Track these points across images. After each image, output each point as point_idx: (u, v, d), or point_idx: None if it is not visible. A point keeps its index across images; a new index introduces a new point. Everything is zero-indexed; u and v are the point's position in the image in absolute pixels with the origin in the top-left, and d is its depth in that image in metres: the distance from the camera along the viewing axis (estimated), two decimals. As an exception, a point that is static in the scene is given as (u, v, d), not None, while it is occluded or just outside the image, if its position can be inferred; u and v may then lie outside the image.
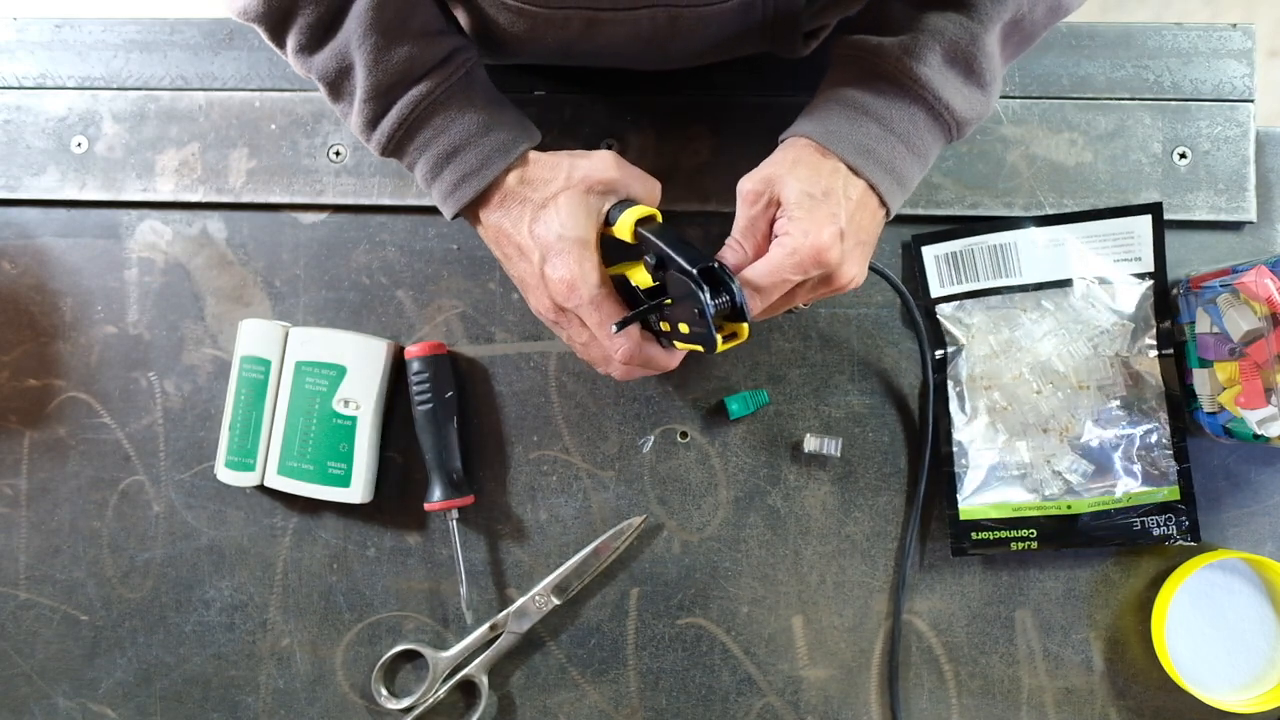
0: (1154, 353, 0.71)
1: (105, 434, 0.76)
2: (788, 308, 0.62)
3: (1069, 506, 0.71)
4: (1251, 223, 0.73)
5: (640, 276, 0.60)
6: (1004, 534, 0.71)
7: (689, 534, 0.74)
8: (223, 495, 0.75)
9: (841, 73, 0.62)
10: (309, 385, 0.72)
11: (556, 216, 0.59)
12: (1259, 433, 0.64)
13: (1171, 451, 0.71)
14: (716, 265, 0.56)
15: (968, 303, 0.73)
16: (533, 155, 0.62)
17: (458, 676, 0.73)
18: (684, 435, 0.74)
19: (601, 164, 0.61)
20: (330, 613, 0.74)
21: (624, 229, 0.60)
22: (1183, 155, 0.73)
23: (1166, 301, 0.71)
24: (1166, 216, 0.72)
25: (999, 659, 0.72)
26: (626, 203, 0.61)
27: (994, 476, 0.72)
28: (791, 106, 0.65)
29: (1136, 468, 0.71)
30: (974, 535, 0.71)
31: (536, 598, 0.73)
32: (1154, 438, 0.71)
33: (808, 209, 0.57)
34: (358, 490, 0.72)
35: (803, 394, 0.74)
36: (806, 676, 0.73)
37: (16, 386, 0.77)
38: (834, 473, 0.73)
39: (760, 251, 0.60)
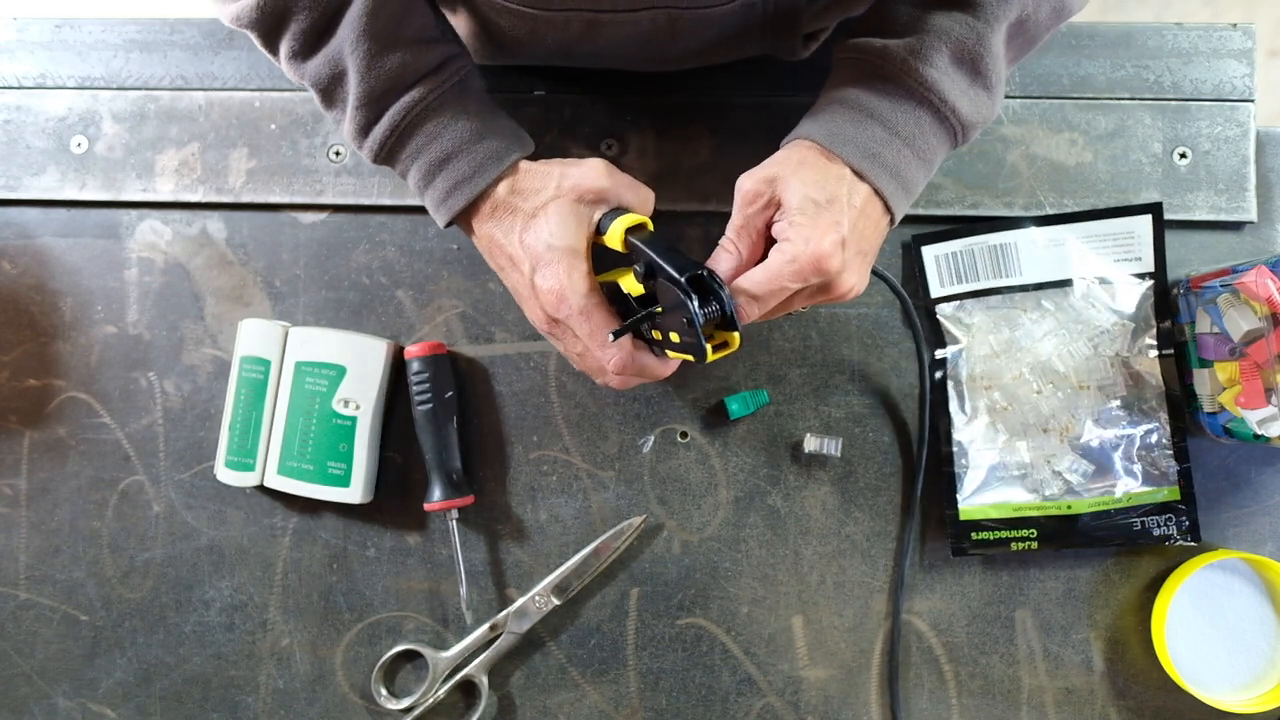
0: (1154, 353, 0.71)
1: (105, 434, 0.76)
2: (785, 313, 0.61)
3: (1069, 507, 0.71)
4: (1252, 223, 0.73)
5: (632, 284, 0.60)
6: (1004, 534, 0.71)
7: (689, 534, 0.74)
8: (223, 495, 0.75)
9: (845, 75, 0.61)
10: (309, 385, 0.72)
11: (546, 226, 0.59)
12: (1259, 433, 0.64)
13: (1171, 451, 0.71)
14: (705, 273, 0.55)
15: (968, 303, 0.73)
16: (524, 165, 0.61)
17: (458, 676, 0.73)
18: (684, 435, 0.74)
19: (592, 173, 0.60)
20: (330, 613, 0.74)
21: (614, 237, 0.59)
22: (1183, 155, 0.73)
23: (1166, 301, 0.71)
24: (1167, 216, 0.72)
25: (999, 659, 0.72)
26: (618, 211, 0.60)
27: (994, 476, 0.72)
28: (791, 107, 0.65)
29: (1137, 468, 0.71)
30: (974, 535, 0.71)
31: (536, 598, 0.73)
32: (1154, 438, 0.71)
33: (810, 215, 0.56)
34: (357, 490, 0.72)
35: (803, 394, 0.74)
36: (806, 676, 0.73)
37: (16, 386, 0.77)
38: (834, 473, 0.73)
39: (755, 253, 0.60)
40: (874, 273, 0.68)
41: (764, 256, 0.59)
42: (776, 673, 0.73)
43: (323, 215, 0.77)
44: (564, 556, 0.74)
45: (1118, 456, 0.71)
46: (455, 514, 0.72)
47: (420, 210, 0.76)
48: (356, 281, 0.76)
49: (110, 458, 0.76)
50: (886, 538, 0.73)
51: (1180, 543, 0.70)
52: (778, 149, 0.61)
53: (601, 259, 0.61)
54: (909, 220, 0.74)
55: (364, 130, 0.61)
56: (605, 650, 0.73)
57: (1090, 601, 0.72)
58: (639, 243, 0.58)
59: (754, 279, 0.57)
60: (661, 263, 0.55)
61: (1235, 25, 0.75)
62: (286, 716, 0.74)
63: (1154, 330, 0.71)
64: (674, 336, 0.57)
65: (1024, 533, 0.71)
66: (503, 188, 0.61)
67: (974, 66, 0.59)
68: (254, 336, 0.73)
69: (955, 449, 0.72)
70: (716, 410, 0.74)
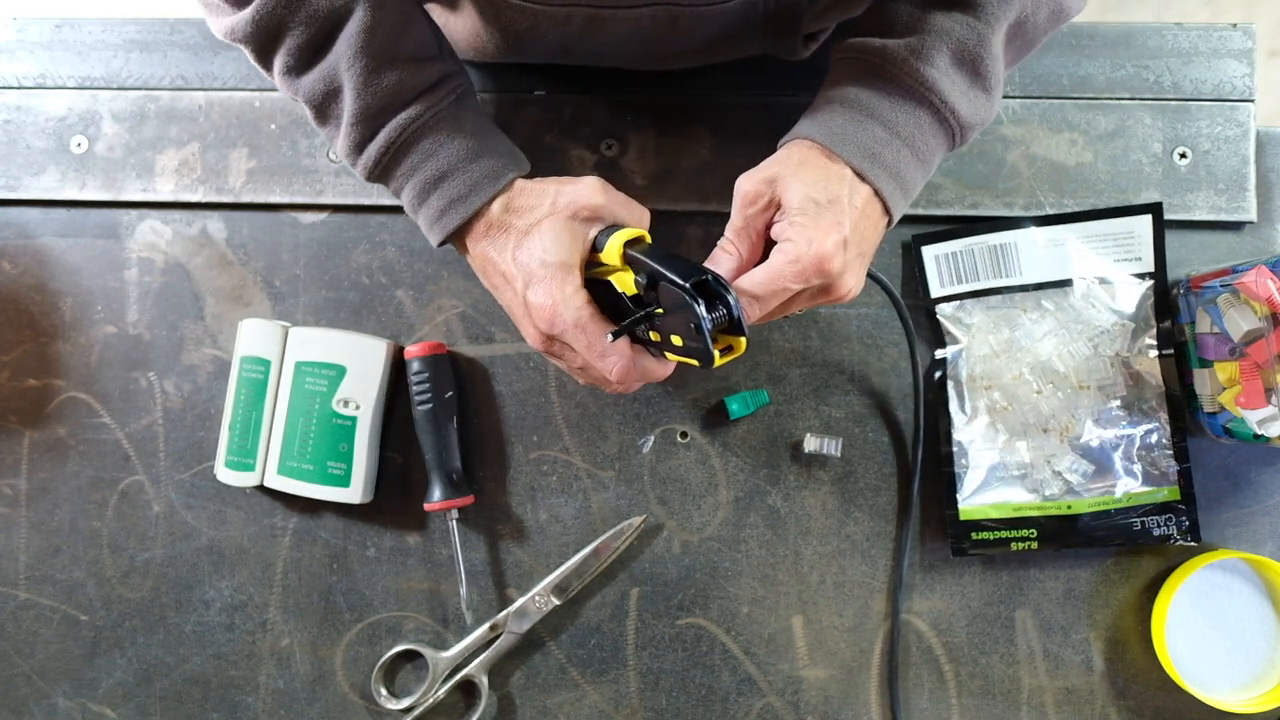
0: (1154, 353, 0.71)
1: (105, 434, 0.76)
2: (784, 315, 0.61)
3: (1069, 507, 0.71)
4: (1251, 223, 0.73)
5: (627, 282, 0.59)
6: (1004, 534, 0.71)
7: (689, 534, 0.74)
8: (223, 495, 0.75)
9: (844, 74, 0.61)
10: (309, 385, 0.72)
11: (540, 242, 0.58)
12: (1259, 433, 0.64)
13: (1171, 451, 0.71)
14: (710, 277, 0.53)
15: (968, 303, 0.73)
16: (520, 183, 0.61)
17: (458, 676, 0.73)
18: (684, 435, 0.74)
19: (587, 190, 0.60)
20: (330, 613, 0.74)
21: (612, 253, 0.58)
22: (1183, 155, 0.73)
23: (1166, 301, 0.71)
24: (1167, 216, 0.72)
25: (999, 659, 0.72)
26: (614, 228, 0.60)
27: (994, 476, 0.72)
28: (791, 106, 0.65)
29: (1137, 468, 0.71)
30: (974, 535, 0.71)
31: (536, 598, 0.73)
32: (1154, 438, 0.71)
33: (812, 215, 0.56)
34: (357, 490, 0.72)
35: (803, 394, 0.74)
36: (806, 676, 0.73)
37: (16, 386, 0.77)
38: (834, 473, 0.73)
39: (754, 253, 0.59)
40: (869, 275, 0.68)
41: (764, 258, 0.59)
42: (776, 673, 0.73)
43: (323, 215, 0.77)
44: (564, 556, 0.74)
45: (1118, 456, 0.71)
46: (455, 514, 0.72)
47: (420, 210, 0.76)
48: (356, 281, 0.76)
49: (110, 458, 0.76)
50: (886, 538, 0.73)
51: (1180, 543, 0.70)
52: (776, 149, 0.61)
53: (594, 286, 0.60)
54: (909, 220, 0.74)
55: (358, 147, 0.60)
56: (605, 650, 0.73)
57: (1090, 601, 0.72)
58: (639, 254, 0.57)
59: (755, 279, 0.56)
60: (664, 270, 0.54)
61: (1235, 25, 0.75)
62: (286, 716, 0.74)
63: (1154, 330, 0.71)
64: (676, 339, 0.56)
65: (1024, 533, 0.71)
66: (497, 206, 0.60)
67: (974, 67, 0.59)
68: (254, 336, 0.73)
69: (955, 449, 0.72)
70: (716, 410, 0.74)
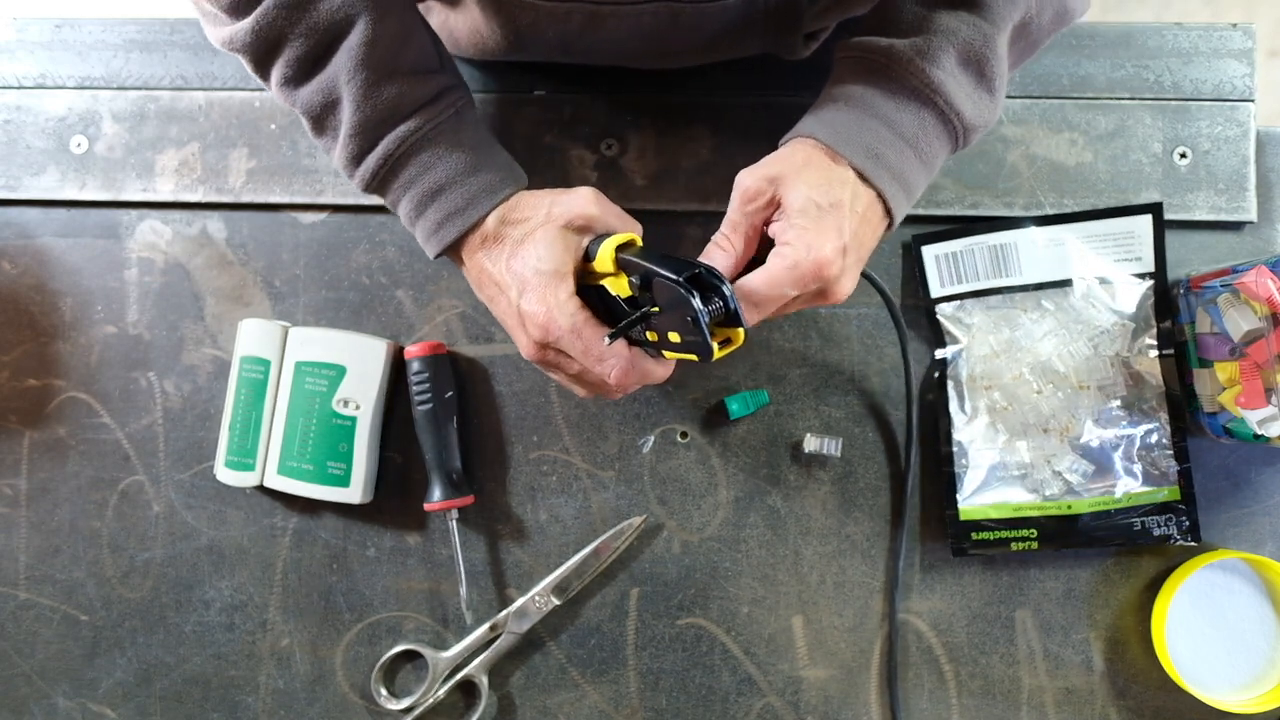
0: (1154, 353, 0.71)
1: (105, 434, 0.76)
2: (779, 316, 0.61)
3: (1069, 507, 0.71)
4: (1252, 223, 0.73)
5: (620, 285, 0.58)
6: (1004, 534, 0.71)
7: (689, 534, 0.74)
8: (222, 495, 0.75)
9: (848, 73, 0.60)
10: (309, 385, 0.72)
11: (534, 251, 0.59)
12: (1259, 433, 0.64)
13: (1172, 451, 0.71)
14: (703, 270, 0.53)
15: (968, 303, 0.73)
16: (516, 196, 0.61)
17: (458, 676, 0.73)
18: (684, 435, 0.74)
19: (580, 201, 0.60)
20: (330, 613, 0.74)
21: (604, 258, 0.58)
22: (1183, 155, 0.73)
23: (1167, 301, 0.71)
24: (1167, 216, 0.72)
25: (999, 659, 0.72)
26: (606, 237, 0.60)
27: (994, 476, 0.72)
28: (792, 106, 0.65)
29: (1137, 468, 0.71)
30: (974, 535, 0.71)
31: (536, 598, 0.73)
32: (1154, 438, 0.71)
33: (813, 219, 0.55)
34: (357, 490, 0.72)
35: (803, 394, 0.74)
36: (806, 676, 0.73)
37: (16, 386, 0.77)
38: (834, 473, 0.73)
39: (749, 249, 0.59)
40: (864, 275, 0.67)
41: (758, 254, 0.58)
42: (776, 673, 0.73)
43: (323, 215, 0.77)
44: (564, 556, 0.74)
45: (1118, 456, 0.71)
46: (455, 514, 0.72)
47: (420, 210, 0.76)
48: (356, 281, 0.76)
49: (110, 458, 0.76)
50: (887, 538, 0.73)
51: (1180, 543, 0.70)
52: (778, 146, 0.61)
53: (587, 292, 0.60)
54: (909, 220, 0.74)
55: (356, 159, 0.60)
56: (605, 650, 0.73)
57: (1090, 601, 0.72)
58: (631, 257, 0.57)
59: (753, 284, 0.56)
60: (657, 268, 0.54)
61: (1235, 25, 0.75)
62: (286, 716, 0.74)
63: (1154, 330, 0.71)
64: (674, 337, 0.56)
65: (1024, 533, 0.71)
66: (493, 219, 0.60)
67: (979, 68, 0.58)
68: (254, 336, 0.73)
69: (955, 449, 0.72)
70: (716, 410, 0.74)
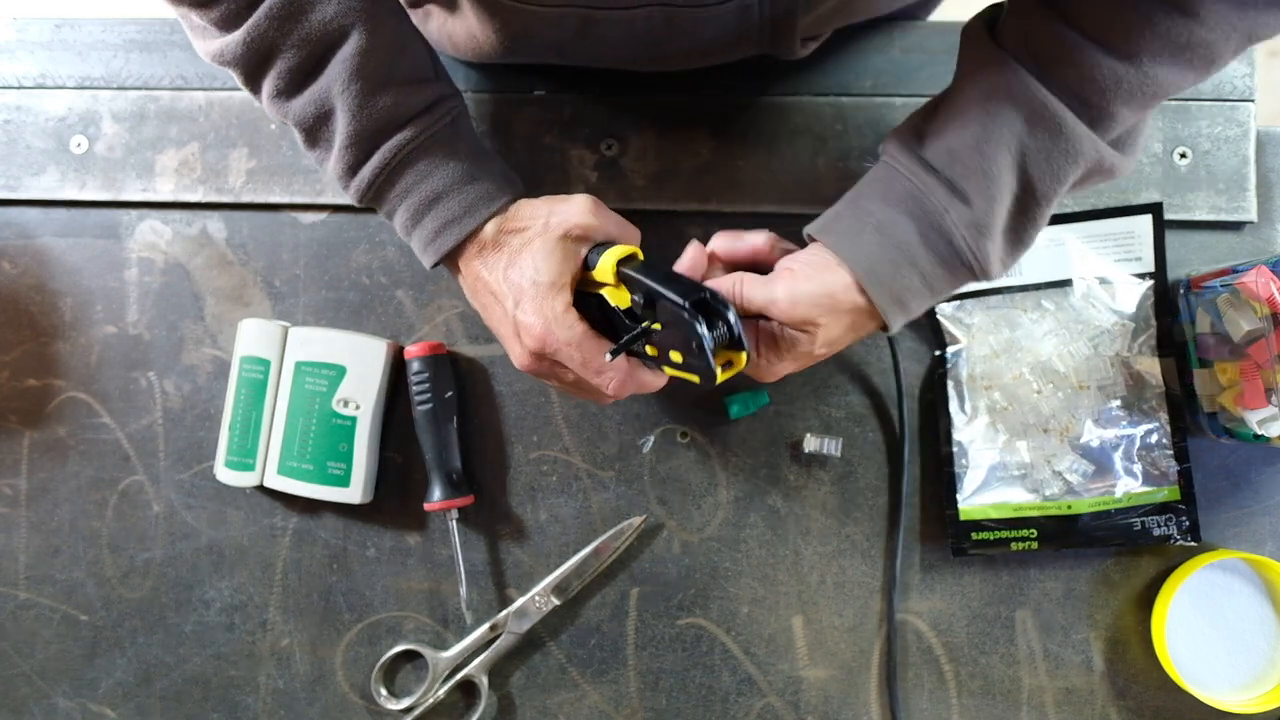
0: (1154, 353, 0.71)
1: (105, 434, 0.76)
2: None
3: (1069, 507, 0.71)
4: (1252, 223, 0.73)
5: (619, 296, 0.58)
6: (1004, 534, 0.71)
7: (689, 534, 0.74)
8: (222, 495, 0.75)
9: (901, 194, 0.58)
10: (309, 385, 0.72)
11: (531, 261, 0.58)
12: (1259, 433, 0.64)
13: (1172, 451, 0.70)
14: (709, 295, 0.54)
15: (968, 302, 0.73)
16: (514, 205, 0.61)
17: (458, 676, 0.73)
18: (684, 435, 0.74)
19: (578, 210, 0.59)
20: (330, 613, 0.74)
21: (605, 271, 0.58)
22: (1183, 155, 0.73)
23: (1167, 301, 0.71)
24: (1167, 216, 0.72)
25: (999, 659, 0.72)
26: (605, 246, 0.60)
27: (994, 477, 0.72)
28: (791, 107, 0.65)
29: (1137, 468, 0.71)
30: (974, 535, 0.71)
31: (536, 598, 0.73)
32: (1154, 438, 0.71)
33: (817, 345, 0.59)
34: (357, 490, 0.72)
35: (803, 394, 0.74)
36: (806, 676, 0.73)
37: (16, 386, 0.77)
38: (834, 473, 0.73)
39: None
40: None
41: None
42: (776, 673, 0.73)
43: (323, 215, 0.77)
44: (564, 556, 0.74)
45: (1118, 456, 0.71)
46: (455, 514, 0.72)
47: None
48: (356, 281, 0.76)
49: (110, 458, 0.76)
50: (886, 538, 0.73)
51: (1180, 543, 0.70)
52: (809, 236, 0.60)
53: (585, 300, 0.60)
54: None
55: (351, 170, 0.60)
56: (605, 650, 0.73)
57: (1090, 601, 0.72)
58: (634, 273, 0.57)
59: (774, 368, 0.60)
60: (661, 289, 0.54)
61: (1235, 25, 0.74)
62: (286, 716, 0.74)
63: (1154, 330, 0.71)
64: (675, 356, 0.56)
65: (1024, 533, 0.71)
66: (491, 227, 0.60)
67: (1021, 237, 0.58)
68: (254, 336, 0.73)
69: (955, 449, 0.72)
70: (716, 410, 0.74)
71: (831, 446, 0.72)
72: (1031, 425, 0.71)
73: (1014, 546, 0.71)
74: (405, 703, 0.72)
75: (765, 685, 0.73)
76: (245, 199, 0.76)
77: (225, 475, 0.73)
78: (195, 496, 0.76)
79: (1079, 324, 0.71)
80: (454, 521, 0.72)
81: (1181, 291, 0.71)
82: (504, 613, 0.73)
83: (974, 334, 0.72)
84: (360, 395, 0.72)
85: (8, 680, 0.76)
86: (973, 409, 0.72)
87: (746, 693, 0.73)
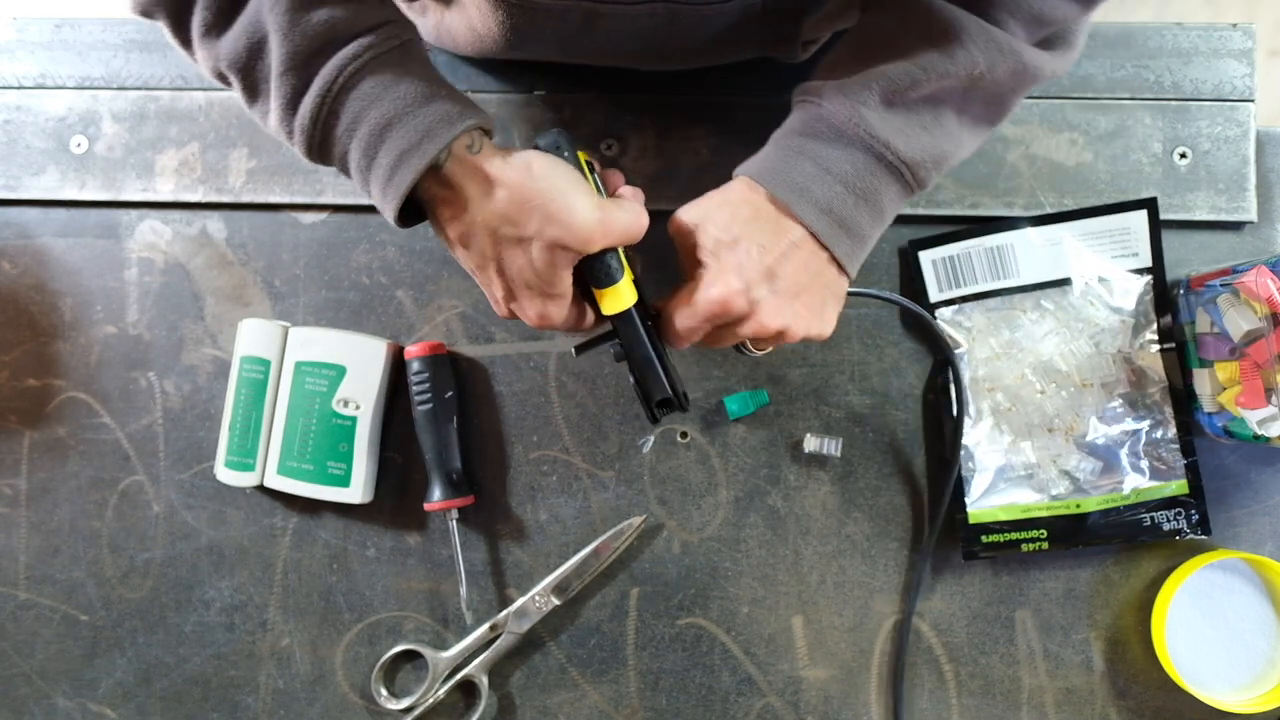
0: (1156, 348, 0.71)
1: (105, 434, 0.76)
2: (729, 345, 0.61)
3: (1078, 505, 0.71)
4: (1252, 223, 0.73)
5: (609, 305, 0.57)
6: (1014, 536, 0.71)
7: (689, 534, 0.74)
8: (222, 495, 0.75)
9: (791, 116, 0.60)
10: (309, 385, 0.72)
11: (530, 268, 0.54)
12: (1259, 433, 0.64)
13: (1178, 446, 0.71)
14: (673, 394, 0.58)
15: (967, 306, 0.73)
16: (498, 165, 0.54)
17: (458, 676, 0.72)
18: (684, 435, 0.74)
19: (578, 233, 0.53)
20: (330, 613, 0.74)
21: (604, 305, 0.58)
22: (1183, 155, 0.73)
23: (1166, 296, 0.71)
24: (1167, 216, 0.72)
25: (999, 659, 0.72)
26: (605, 254, 0.57)
27: (1001, 478, 0.71)
28: (789, 108, 0.65)
29: (1144, 463, 0.71)
30: (984, 538, 0.71)
31: (536, 598, 0.73)
32: (1160, 433, 0.71)
33: (715, 256, 0.56)
34: (357, 490, 0.72)
35: (803, 394, 0.74)
36: (806, 676, 0.73)
37: (16, 386, 0.77)
38: (834, 473, 0.73)
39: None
40: (884, 298, 0.71)
41: None
42: (776, 673, 0.73)
43: (323, 215, 0.77)
44: (564, 556, 0.73)
45: (1124, 453, 0.71)
46: (455, 514, 0.72)
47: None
48: (356, 281, 0.76)
49: (110, 458, 0.76)
50: (887, 538, 0.73)
51: (1191, 536, 0.70)
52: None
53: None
54: (909, 221, 0.74)
55: (291, 105, 0.52)
56: (605, 650, 0.73)
57: (1090, 601, 0.72)
58: (624, 334, 0.58)
59: (677, 315, 0.57)
60: (633, 379, 0.58)
61: (1235, 25, 0.75)
62: (286, 716, 0.74)
63: (1154, 325, 0.71)
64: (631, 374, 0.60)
65: (1034, 534, 0.71)
66: (455, 169, 0.53)
67: (908, 105, 0.57)
68: (254, 336, 0.73)
69: (961, 452, 0.72)
70: (716, 410, 0.74)
71: (831, 446, 0.72)
72: (1036, 425, 0.71)
73: (1024, 548, 0.71)
74: (405, 703, 0.72)
75: (765, 685, 0.73)
76: (245, 199, 0.76)
77: (225, 475, 0.73)
78: (195, 496, 0.76)
79: (1079, 322, 0.71)
80: (454, 521, 0.72)
81: (1181, 291, 0.71)
82: (504, 613, 0.73)
83: (974, 336, 0.72)
84: (360, 395, 0.72)
85: (8, 680, 0.76)
86: (977, 411, 0.72)
87: (746, 693, 0.73)
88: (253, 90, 0.54)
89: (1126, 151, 0.74)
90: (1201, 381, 0.68)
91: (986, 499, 0.71)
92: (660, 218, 0.71)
